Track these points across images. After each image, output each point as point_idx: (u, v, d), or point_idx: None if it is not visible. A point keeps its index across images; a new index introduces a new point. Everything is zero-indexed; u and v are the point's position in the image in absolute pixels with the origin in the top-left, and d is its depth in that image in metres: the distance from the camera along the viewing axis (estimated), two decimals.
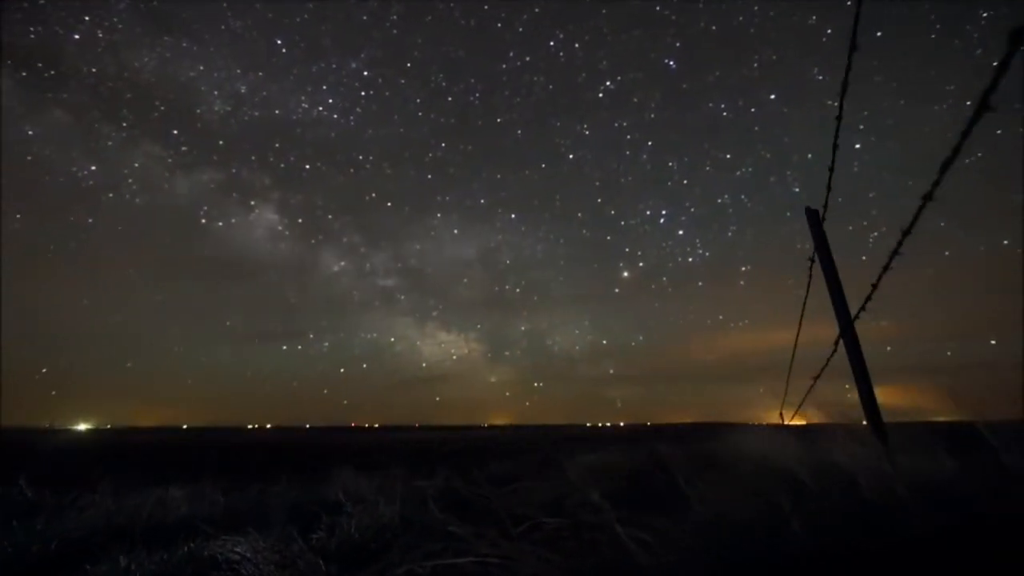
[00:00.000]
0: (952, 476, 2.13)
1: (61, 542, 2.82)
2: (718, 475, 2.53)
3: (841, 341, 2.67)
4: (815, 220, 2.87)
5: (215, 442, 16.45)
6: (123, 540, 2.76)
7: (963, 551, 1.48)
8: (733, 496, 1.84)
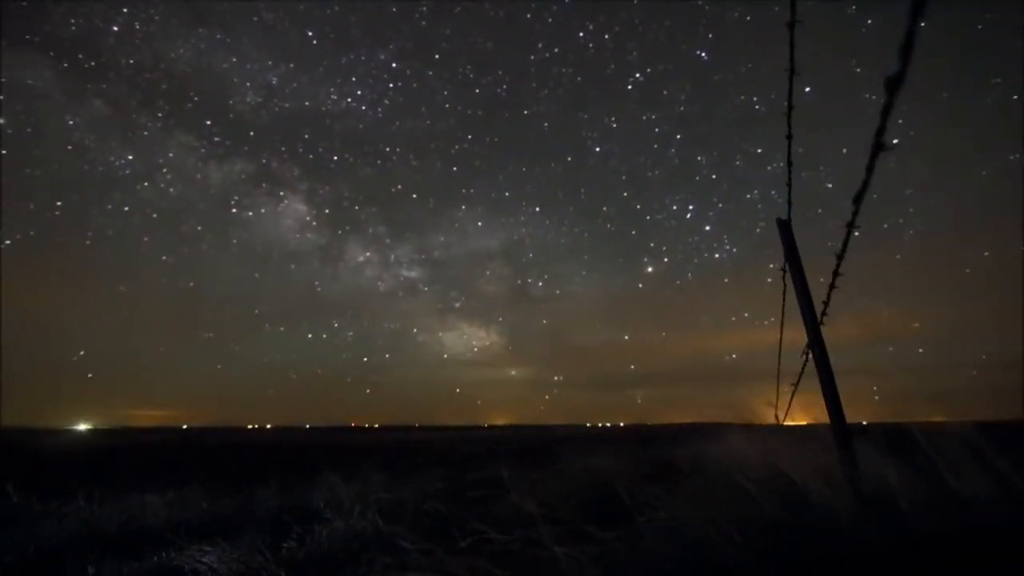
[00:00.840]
0: (909, 485, 2.14)
1: (28, 552, 2.82)
2: (675, 484, 2.54)
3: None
4: (786, 230, 2.88)
5: (205, 444, 16.42)
6: (92, 549, 2.77)
7: (903, 562, 1.49)
8: (677, 509, 1.85)
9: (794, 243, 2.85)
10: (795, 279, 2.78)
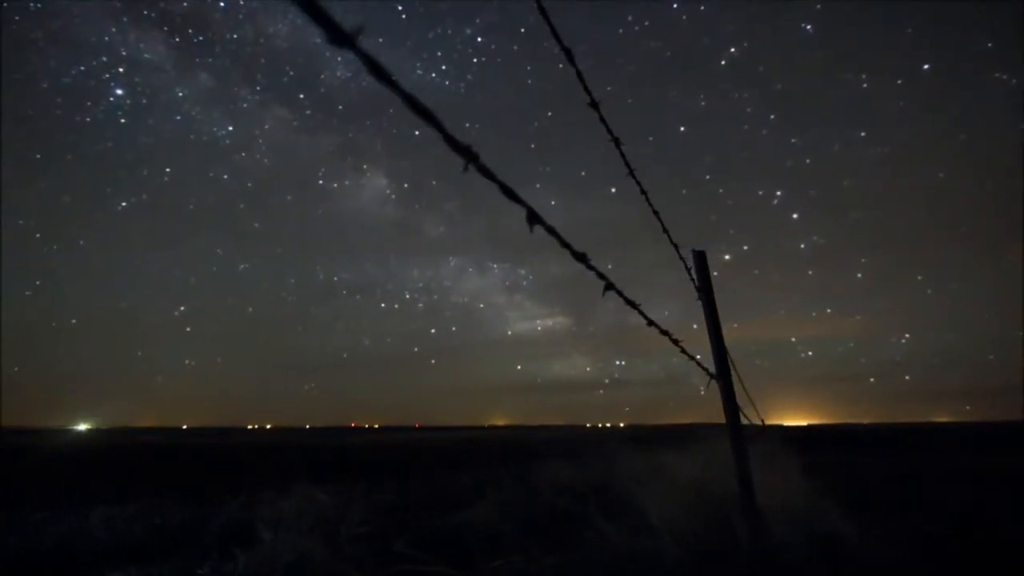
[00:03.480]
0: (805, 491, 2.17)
1: None
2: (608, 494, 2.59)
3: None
4: (701, 262, 2.91)
5: (178, 447, 16.42)
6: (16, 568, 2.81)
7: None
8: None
9: (708, 274, 2.88)
10: (706, 310, 2.82)
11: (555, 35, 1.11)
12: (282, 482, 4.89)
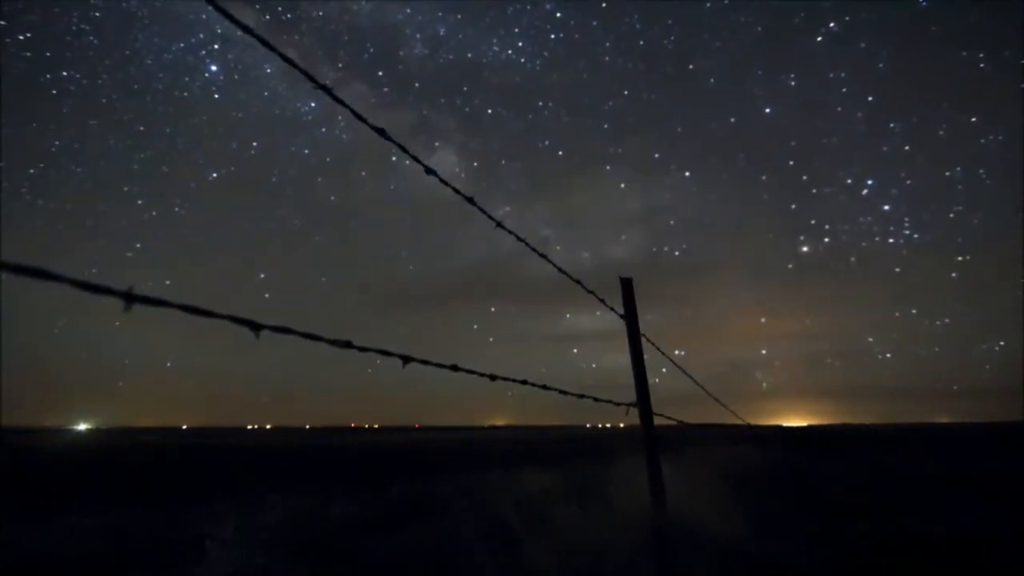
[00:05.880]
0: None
1: None
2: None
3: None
4: (627, 289, 3.03)
5: (158, 446, 16.53)
6: None
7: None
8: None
9: (633, 301, 3.00)
10: (630, 337, 2.94)
11: None
12: (248, 489, 5.00)
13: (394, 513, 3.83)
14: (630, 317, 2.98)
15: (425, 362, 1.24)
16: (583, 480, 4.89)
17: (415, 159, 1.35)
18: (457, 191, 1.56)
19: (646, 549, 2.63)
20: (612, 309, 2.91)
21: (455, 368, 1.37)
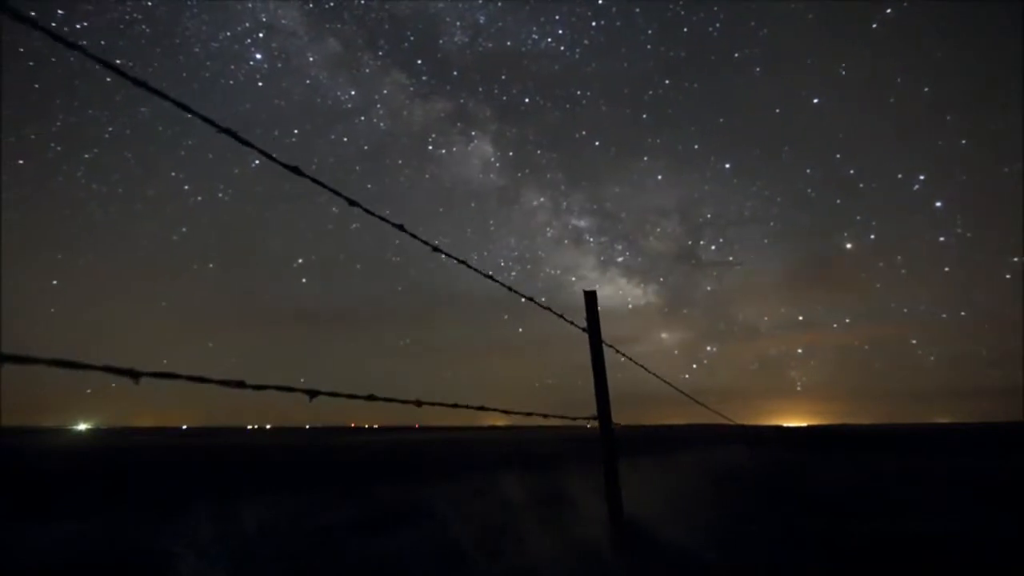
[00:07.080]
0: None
1: None
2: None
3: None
4: (591, 302, 3.04)
5: (158, 446, 16.61)
6: None
7: None
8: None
9: (596, 314, 3.01)
10: (592, 349, 2.95)
11: None
12: (242, 491, 5.01)
13: (380, 517, 3.85)
14: (593, 330, 2.99)
15: (334, 394, 1.25)
16: (561, 485, 4.90)
17: (345, 197, 1.36)
18: (384, 219, 1.58)
19: (601, 557, 2.66)
20: (572, 323, 2.92)
21: (371, 397, 1.38)
